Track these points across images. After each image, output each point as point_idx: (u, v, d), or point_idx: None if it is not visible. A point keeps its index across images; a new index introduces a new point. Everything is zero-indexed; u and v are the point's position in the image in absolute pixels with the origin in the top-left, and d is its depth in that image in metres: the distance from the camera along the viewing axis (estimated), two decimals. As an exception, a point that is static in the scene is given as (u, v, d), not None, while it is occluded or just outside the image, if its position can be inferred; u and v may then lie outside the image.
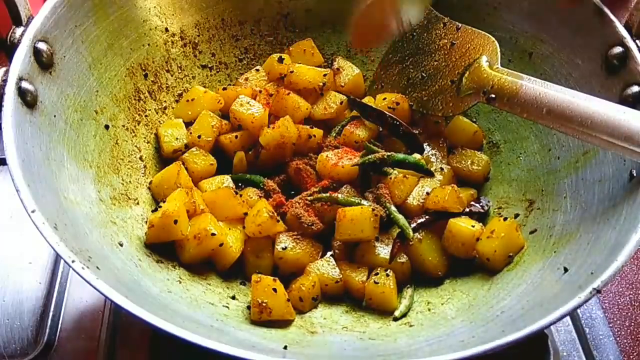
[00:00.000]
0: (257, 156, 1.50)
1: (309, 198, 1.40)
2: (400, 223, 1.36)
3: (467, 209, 1.42)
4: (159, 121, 1.54)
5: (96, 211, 1.24)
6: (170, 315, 1.06)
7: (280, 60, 1.60)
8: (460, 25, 1.52)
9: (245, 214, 1.36)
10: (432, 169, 1.46)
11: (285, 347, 1.13)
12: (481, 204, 1.45)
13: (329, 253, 1.38)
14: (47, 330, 1.37)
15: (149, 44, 1.54)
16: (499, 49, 1.43)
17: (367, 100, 1.58)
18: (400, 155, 1.43)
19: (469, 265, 1.36)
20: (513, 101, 1.31)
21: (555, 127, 1.25)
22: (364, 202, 1.37)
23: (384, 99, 1.55)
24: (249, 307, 1.27)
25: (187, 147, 1.49)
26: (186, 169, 1.43)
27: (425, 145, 1.52)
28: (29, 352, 1.34)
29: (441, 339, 1.16)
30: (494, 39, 1.45)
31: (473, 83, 1.42)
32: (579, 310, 1.44)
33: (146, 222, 1.34)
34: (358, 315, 1.31)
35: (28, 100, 1.16)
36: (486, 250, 1.31)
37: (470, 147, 1.53)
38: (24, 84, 1.16)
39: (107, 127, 1.40)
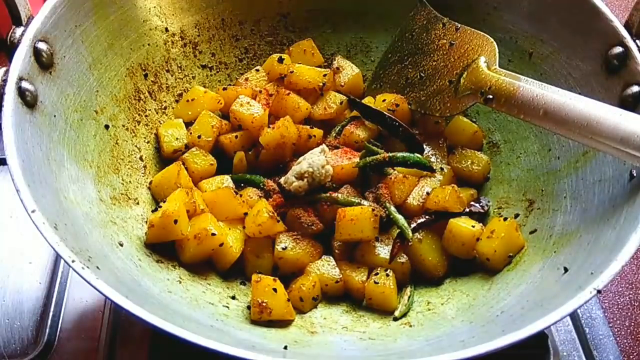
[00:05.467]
0: (257, 156, 1.50)
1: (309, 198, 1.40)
2: (399, 223, 1.36)
3: (467, 209, 1.42)
4: (159, 121, 1.54)
5: (96, 211, 1.24)
6: (170, 315, 1.06)
7: (280, 60, 1.60)
8: (459, 25, 1.52)
9: (245, 214, 1.36)
10: (432, 169, 1.47)
11: (285, 347, 1.13)
12: (481, 204, 1.45)
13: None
14: (47, 330, 1.37)
15: (149, 44, 1.54)
16: (497, 50, 1.43)
17: (367, 100, 1.58)
18: (401, 155, 1.43)
19: (469, 265, 1.36)
20: (510, 102, 1.31)
21: (552, 129, 1.25)
22: (364, 202, 1.37)
23: (384, 100, 1.55)
24: (249, 307, 1.27)
25: (187, 147, 1.49)
26: (186, 169, 1.43)
27: (425, 145, 1.52)
28: (29, 352, 1.34)
29: (441, 339, 1.16)
30: (492, 39, 1.44)
31: (471, 84, 1.42)
32: (579, 310, 1.44)
33: (146, 222, 1.34)
34: (358, 315, 1.31)
35: (28, 100, 1.16)
36: (486, 250, 1.31)
37: (470, 147, 1.53)
38: (24, 84, 1.16)
39: (107, 127, 1.39)
